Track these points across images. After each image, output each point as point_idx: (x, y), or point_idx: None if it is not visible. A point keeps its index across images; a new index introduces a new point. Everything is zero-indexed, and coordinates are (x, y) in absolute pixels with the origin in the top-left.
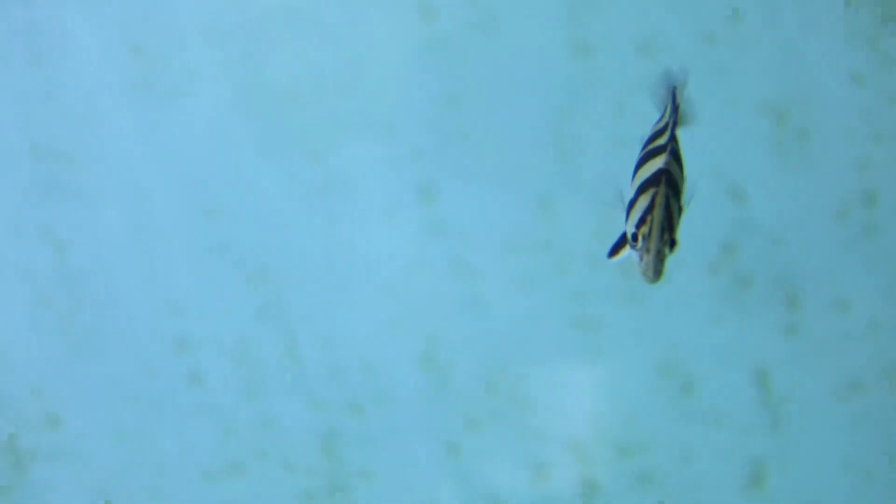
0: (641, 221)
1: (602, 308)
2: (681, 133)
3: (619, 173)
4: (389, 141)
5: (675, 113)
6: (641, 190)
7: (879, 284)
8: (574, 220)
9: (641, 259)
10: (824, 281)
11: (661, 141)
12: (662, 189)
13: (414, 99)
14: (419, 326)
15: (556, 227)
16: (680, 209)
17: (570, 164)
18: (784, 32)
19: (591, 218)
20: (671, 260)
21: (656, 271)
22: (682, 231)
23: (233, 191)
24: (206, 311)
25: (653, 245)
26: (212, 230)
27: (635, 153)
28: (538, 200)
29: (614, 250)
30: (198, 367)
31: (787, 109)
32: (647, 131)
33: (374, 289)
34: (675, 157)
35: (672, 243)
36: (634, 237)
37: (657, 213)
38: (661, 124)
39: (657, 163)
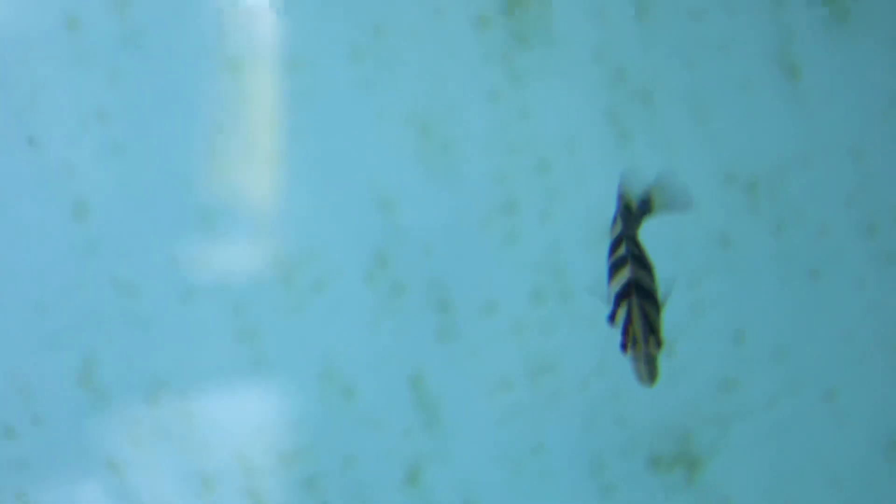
0: (625, 332)
1: (263, 319)
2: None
3: (276, 188)
4: (38, 157)
5: (624, 218)
6: (618, 301)
7: (522, 287)
8: (235, 234)
9: (634, 366)
10: (473, 286)
11: (622, 251)
12: (635, 301)
13: (62, 113)
14: (76, 345)
15: (218, 241)
16: (658, 308)
17: (227, 178)
18: (424, 49)
19: (253, 232)
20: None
21: (650, 376)
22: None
23: None
24: None
25: (641, 354)
26: None
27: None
28: (199, 214)
29: (613, 317)
30: None
31: (431, 123)
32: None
33: (27, 309)
34: (639, 260)
35: (658, 344)
36: (623, 346)
37: (637, 325)
38: (618, 228)
39: (625, 274)
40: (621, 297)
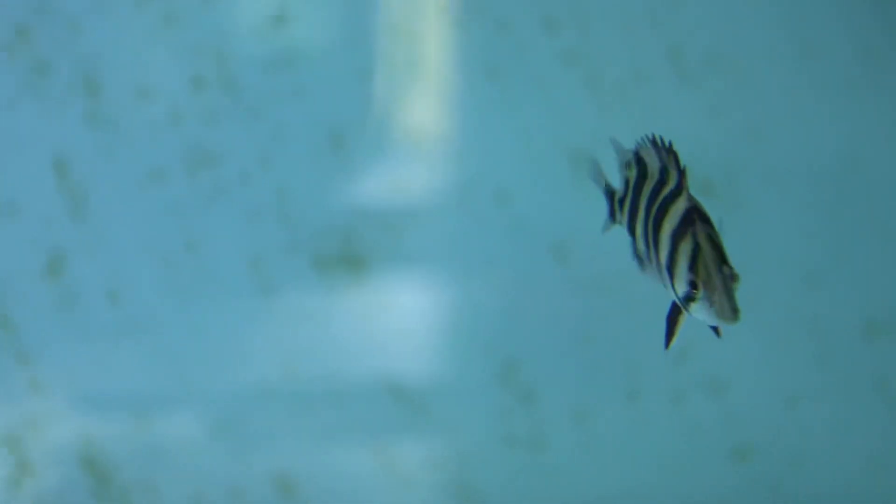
0: (692, 267)
1: None
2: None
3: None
4: None
5: (677, 165)
6: (675, 240)
7: (181, 72)
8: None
9: (711, 304)
10: (126, 68)
11: (667, 190)
12: (699, 226)
13: None
14: None
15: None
16: (720, 239)
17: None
18: None
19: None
20: None
21: (733, 308)
22: None
23: None
24: None
25: (717, 282)
26: None
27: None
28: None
29: (669, 336)
30: None
31: None
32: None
33: None
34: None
35: (733, 276)
36: (693, 285)
37: (706, 249)
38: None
39: (678, 206)
40: (678, 233)
